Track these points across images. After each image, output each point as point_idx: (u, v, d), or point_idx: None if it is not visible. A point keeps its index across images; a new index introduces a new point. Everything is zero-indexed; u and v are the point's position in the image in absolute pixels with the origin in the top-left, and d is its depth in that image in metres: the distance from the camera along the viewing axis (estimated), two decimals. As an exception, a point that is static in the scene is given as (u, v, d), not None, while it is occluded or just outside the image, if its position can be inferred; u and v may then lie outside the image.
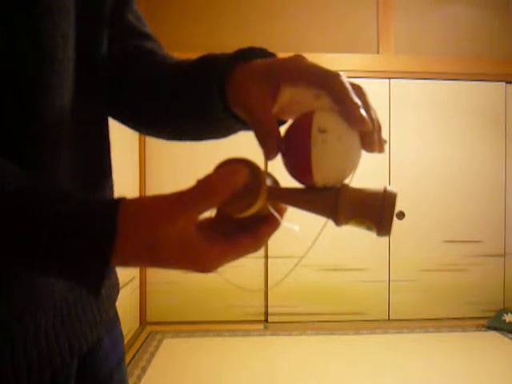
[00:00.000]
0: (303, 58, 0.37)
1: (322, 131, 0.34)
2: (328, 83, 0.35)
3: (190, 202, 0.32)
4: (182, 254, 0.31)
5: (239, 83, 0.39)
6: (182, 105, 0.45)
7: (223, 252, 0.33)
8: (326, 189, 0.35)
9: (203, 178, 0.33)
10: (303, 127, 0.35)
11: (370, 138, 0.35)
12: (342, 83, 0.35)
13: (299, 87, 0.36)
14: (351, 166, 0.36)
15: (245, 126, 0.43)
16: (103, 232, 0.30)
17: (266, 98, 0.37)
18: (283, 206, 0.37)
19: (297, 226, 0.36)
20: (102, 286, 0.31)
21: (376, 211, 0.33)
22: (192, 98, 0.44)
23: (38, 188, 0.31)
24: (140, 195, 2.67)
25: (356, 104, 0.34)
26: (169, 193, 0.32)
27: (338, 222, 0.35)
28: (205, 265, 0.32)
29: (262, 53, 0.42)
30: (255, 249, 0.35)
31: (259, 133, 0.37)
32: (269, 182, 0.36)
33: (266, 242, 0.36)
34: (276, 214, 0.36)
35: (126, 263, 0.32)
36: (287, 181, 0.38)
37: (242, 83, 0.39)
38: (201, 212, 0.32)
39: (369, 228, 0.34)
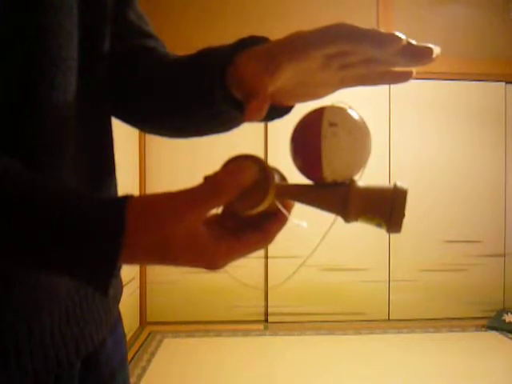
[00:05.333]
0: (302, 30, 0.36)
1: (333, 124, 0.34)
2: (337, 34, 0.33)
3: (199, 200, 0.31)
4: (191, 252, 0.31)
5: (238, 67, 0.38)
6: (183, 99, 0.45)
7: (231, 249, 0.33)
8: (335, 184, 0.35)
9: (211, 174, 0.33)
10: (314, 121, 0.35)
11: (413, 48, 0.33)
12: (350, 26, 0.33)
13: (302, 60, 0.35)
14: (361, 160, 0.35)
15: None
16: (111, 231, 0.30)
17: (262, 72, 0.36)
18: (291, 201, 0.37)
19: (305, 222, 0.36)
20: (110, 285, 0.31)
21: (386, 208, 0.33)
22: (194, 90, 0.43)
23: (47, 188, 0.31)
24: (140, 194, 2.66)
25: (376, 30, 0.32)
26: (176, 190, 0.32)
27: (347, 219, 0.34)
28: (213, 262, 0.32)
29: (264, 41, 0.41)
30: (263, 245, 0.35)
31: (246, 96, 0.36)
32: (277, 179, 0.36)
33: (274, 238, 0.36)
34: (284, 211, 0.35)
35: (134, 261, 0.32)
36: (293, 179, 0.38)
37: (240, 66, 0.38)
38: (209, 209, 0.32)
39: (379, 225, 0.34)
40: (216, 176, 0.32)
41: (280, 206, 0.35)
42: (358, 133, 0.35)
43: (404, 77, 0.39)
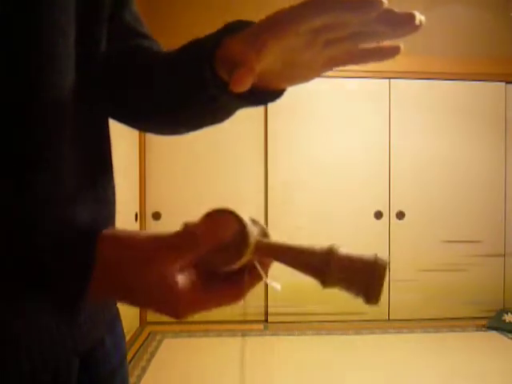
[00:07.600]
0: (284, 7, 0.35)
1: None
2: (319, 4, 0.32)
3: (173, 250, 0.32)
4: (155, 299, 0.32)
5: (225, 49, 0.38)
6: (177, 90, 0.45)
7: (198, 301, 0.33)
8: (316, 251, 0.35)
9: (191, 225, 0.33)
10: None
11: (394, 15, 0.33)
12: None
13: (287, 36, 0.35)
14: None
15: (241, 102, 0.43)
16: (79, 273, 0.31)
17: (248, 50, 0.36)
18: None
19: (279, 284, 0.35)
20: (77, 316, 0.32)
21: (365, 281, 0.33)
22: (185, 78, 0.43)
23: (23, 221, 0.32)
24: (140, 198, 2.67)
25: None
26: (153, 234, 0.33)
27: (324, 286, 0.34)
28: (176, 311, 0.33)
29: (250, 25, 0.41)
30: (234, 301, 0.35)
31: (233, 68, 0.36)
32: (257, 232, 0.36)
33: (247, 294, 0.36)
34: (260, 270, 0.35)
35: (101, 299, 0.33)
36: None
37: (227, 48, 0.38)
38: (182, 261, 0.32)
39: (357, 295, 0.34)
40: (195, 229, 0.33)
41: (257, 265, 0.35)
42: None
43: (391, 52, 0.39)
